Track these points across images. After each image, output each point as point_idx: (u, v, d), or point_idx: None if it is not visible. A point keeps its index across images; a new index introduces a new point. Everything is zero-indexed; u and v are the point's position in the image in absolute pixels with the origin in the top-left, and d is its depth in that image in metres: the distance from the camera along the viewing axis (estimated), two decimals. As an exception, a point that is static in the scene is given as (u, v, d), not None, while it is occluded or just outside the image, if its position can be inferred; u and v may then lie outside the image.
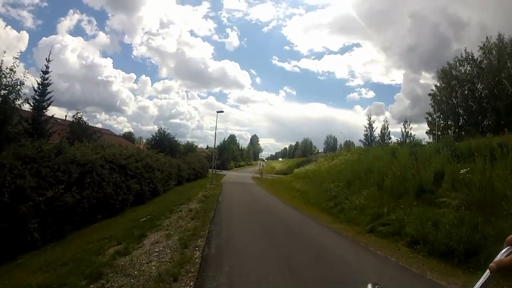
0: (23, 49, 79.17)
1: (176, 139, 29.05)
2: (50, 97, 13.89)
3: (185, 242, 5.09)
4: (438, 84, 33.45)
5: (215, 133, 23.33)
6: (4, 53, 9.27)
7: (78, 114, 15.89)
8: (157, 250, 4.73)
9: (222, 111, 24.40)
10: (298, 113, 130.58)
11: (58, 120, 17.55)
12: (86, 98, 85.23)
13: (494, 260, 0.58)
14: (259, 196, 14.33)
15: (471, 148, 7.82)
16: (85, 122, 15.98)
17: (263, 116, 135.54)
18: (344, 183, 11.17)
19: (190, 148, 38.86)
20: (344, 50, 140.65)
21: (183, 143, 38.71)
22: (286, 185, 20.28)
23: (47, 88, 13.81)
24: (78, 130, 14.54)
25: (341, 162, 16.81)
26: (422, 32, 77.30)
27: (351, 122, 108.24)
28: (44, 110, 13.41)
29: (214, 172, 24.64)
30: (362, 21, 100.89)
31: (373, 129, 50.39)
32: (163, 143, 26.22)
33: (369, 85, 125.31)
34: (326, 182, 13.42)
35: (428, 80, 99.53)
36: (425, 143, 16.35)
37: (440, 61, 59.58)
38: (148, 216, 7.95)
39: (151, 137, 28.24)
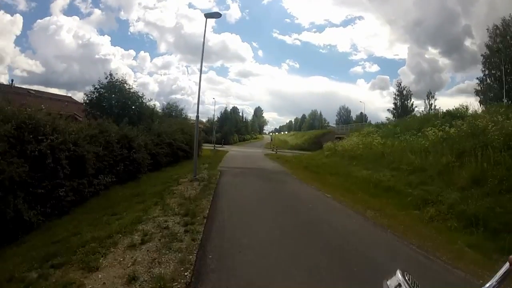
0: (18, 33, 76.81)
1: (136, 91, 15.68)
2: None
3: None
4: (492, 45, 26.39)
5: (202, 55, 13.47)
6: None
7: None
8: None
9: (220, 15, 9.90)
10: (300, 86, 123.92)
11: None
12: (85, 77, 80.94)
13: None
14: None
15: None
16: None
17: (265, 90, 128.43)
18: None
19: (173, 110, 26.28)
20: (347, 23, 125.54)
21: (158, 106, 23.85)
22: (339, 170, 11.36)
23: None
24: None
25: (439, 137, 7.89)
26: (429, 6, 72.27)
27: (354, 96, 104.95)
28: None
29: (199, 154, 14.71)
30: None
31: (403, 98, 40.07)
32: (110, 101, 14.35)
33: (372, 59, 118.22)
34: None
35: (434, 55, 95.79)
36: None
37: (447, 36, 55.27)
38: None
39: (93, 89, 14.38)
